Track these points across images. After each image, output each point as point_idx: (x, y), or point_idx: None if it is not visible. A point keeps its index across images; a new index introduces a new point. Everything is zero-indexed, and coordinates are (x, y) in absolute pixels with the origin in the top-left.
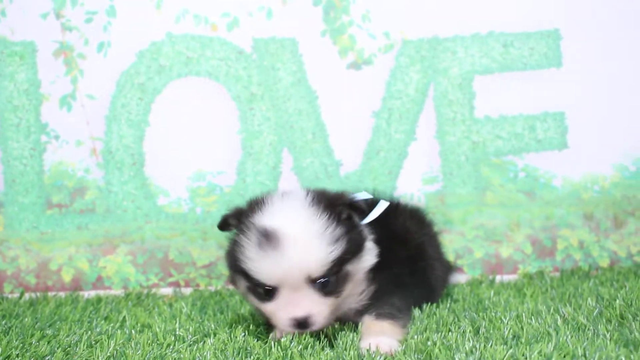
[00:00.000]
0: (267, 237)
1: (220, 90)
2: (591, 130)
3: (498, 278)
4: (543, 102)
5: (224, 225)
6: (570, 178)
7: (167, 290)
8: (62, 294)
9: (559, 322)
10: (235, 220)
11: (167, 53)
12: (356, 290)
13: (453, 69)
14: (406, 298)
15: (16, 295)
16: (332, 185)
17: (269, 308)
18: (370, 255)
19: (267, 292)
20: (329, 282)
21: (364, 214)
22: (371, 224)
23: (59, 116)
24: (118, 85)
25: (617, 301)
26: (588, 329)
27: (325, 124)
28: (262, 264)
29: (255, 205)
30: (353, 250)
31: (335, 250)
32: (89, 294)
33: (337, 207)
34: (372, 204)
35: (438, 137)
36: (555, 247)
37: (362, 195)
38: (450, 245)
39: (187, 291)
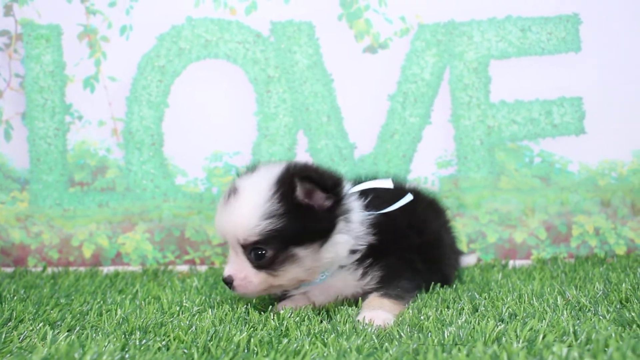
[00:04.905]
0: (226, 196)
1: (238, 72)
2: (609, 116)
3: (511, 263)
4: (560, 87)
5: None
6: (587, 164)
7: (183, 268)
8: (82, 269)
9: (560, 303)
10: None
11: (186, 36)
12: (312, 277)
13: (469, 53)
14: (415, 280)
15: (39, 269)
16: (346, 168)
17: None
18: (337, 248)
19: None
20: (264, 255)
21: (328, 190)
22: (392, 211)
23: (83, 97)
24: (139, 68)
25: (624, 285)
26: (588, 310)
27: (341, 107)
28: (216, 217)
29: (250, 168)
30: (303, 235)
31: (271, 225)
32: (108, 269)
33: (290, 183)
34: (395, 193)
35: (453, 121)
36: (570, 233)
37: (384, 183)
38: (464, 229)
39: (203, 269)
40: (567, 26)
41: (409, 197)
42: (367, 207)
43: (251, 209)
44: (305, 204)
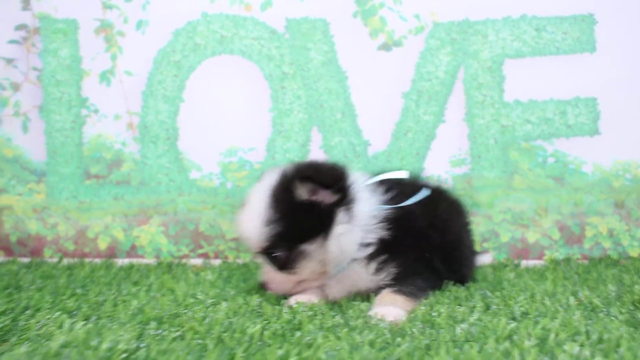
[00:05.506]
0: (241, 209)
1: (253, 68)
2: (624, 117)
3: (524, 263)
4: (575, 87)
5: None
6: (601, 165)
7: (197, 261)
8: (97, 261)
9: (572, 303)
10: None
11: (202, 32)
12: (329, 269)
13: (483, 52)
14: (431, 280)
15: (55, 259)
16: (360, 165)
17: None
18: (340, 240)
19: None
20: (278, 257)
21: (329, 186)
22: (415, 208)
23: (99, 91)
24: (155, 63)
25: (637, 287)
26: (600, 311)
27: (355, 104)
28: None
29: (263, 174)
30: (306, 231)
31: (273, 229)
32: (122, 261)
33: (287, 186)
34: (411, 187)
35: (467, 119)
36: (583, 234)
37: (399, 174)
38: (477, 228)
39: (216, 262)
40: (583, 26)
41: (425, 193)
42: (388, 202)
43: (255, 219)
44: (309, 202)
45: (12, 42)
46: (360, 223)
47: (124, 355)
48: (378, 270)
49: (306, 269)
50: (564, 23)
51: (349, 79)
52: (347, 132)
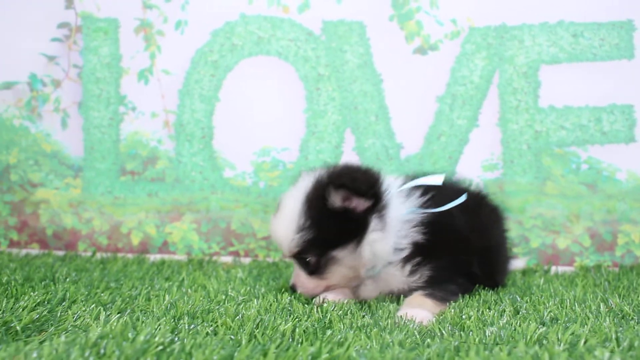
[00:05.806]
0: (275, 212)
1: (289, 69)
2: None
3: (553, 269)
4: (611, 94)
5: None
6: (635, 172)
7: (228, 259)
8: (130, 256)
9: (602, 309)
10: None
11: (239, 33)
12: (359, 274)
13: (519, 57)
14: (464, 285)
15: (89, 253)
16: (392, 167)
17: None
18: (373, 247)
19: None
20: (309, 262)
21: (363, 194)
22: (454, 212)
23: (137, 89)
24: (192, 62)
25: None
26: (631, 318)
27: (389, 106)
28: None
29: (298, 178)
30: (338, 237)
31: (305, 235)
32: (154, 257)
33: (320, 193)
34: (450, 191)
35: (500, 124)
36: (615, 241)
37: (435, 179)
38: (508, 233)
39: (246, 261)
40: (621, 33)
41: (463, 198)
42: (425, 205)
43: (287, 224)
44: (341, 208)
45: (54, 40)
46: (394, 229)
47: (160, 347)
48: (412, 272)
49: (336, 273)
50: (602, 29)
51: (384, 82)
52: (381, 135)
